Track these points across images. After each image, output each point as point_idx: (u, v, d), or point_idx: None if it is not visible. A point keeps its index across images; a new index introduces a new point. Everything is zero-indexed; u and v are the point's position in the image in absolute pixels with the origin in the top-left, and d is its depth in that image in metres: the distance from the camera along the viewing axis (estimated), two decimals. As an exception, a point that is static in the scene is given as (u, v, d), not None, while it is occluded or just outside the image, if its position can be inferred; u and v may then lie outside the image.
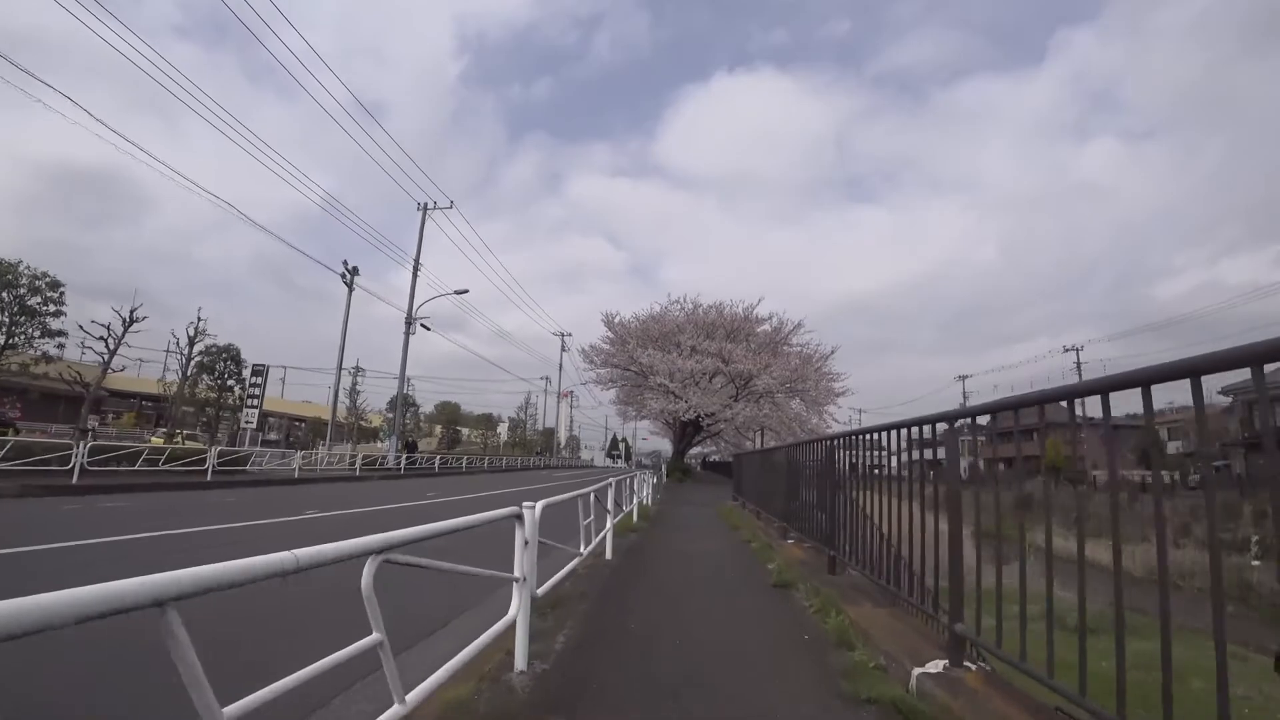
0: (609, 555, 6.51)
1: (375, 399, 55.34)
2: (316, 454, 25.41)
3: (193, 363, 26.06)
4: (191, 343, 25.38)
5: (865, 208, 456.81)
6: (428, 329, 33.19)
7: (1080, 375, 53.91)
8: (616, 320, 29.28)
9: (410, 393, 57.58)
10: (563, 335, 51.25)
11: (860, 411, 44.63)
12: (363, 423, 34.97)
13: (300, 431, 46.31)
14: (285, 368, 57.82)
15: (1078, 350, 54.51)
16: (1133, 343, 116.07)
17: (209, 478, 16.61)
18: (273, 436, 43.84)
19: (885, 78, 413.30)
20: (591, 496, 6.11)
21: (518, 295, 42.62)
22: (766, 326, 27.46)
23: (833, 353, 26.66)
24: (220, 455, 17.79)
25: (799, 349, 27.01)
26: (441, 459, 33.36)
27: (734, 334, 26.40)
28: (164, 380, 26.80)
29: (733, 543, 8.57)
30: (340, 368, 30.81)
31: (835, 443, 5.85)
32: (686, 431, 31.72)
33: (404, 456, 27.16)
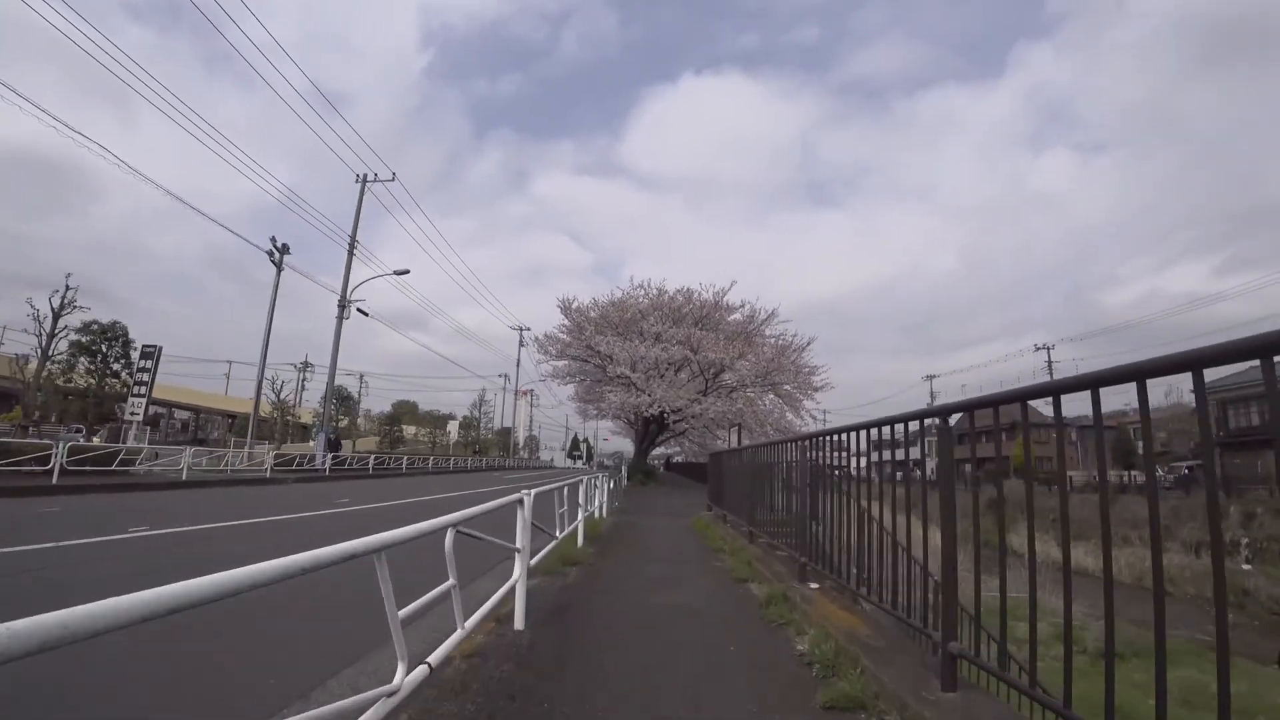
0: (519, 624, 3.80)
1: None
2: (229, 452, 21.97)
3: (58, 339, 22.00)
4: (56, 315, 21.29)
5: (829, 212, 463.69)
6: (364, 314, 29.96)
7: (1051, 375, 53.51)
8: (574, 306, 26.55)
9: (360, 388, 53.82)
10: (521, 330, 48.08)
11: (825, 413, 42.78)
12: (291, 418, 31.30)
13: (226, 429, 42.13)
14: (230, 362, 53.16)
15: (1049, 349, 54.04)
16: (1085, 346, 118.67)
17: (55, 480, 13.26)
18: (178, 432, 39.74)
19: (851, 85, 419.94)
20: (522, 510, 3.54)
21: (475, 288, 39.62)
22: (738, 315, 25.18)
23: (810, 344, 24.62)
24: (76, 453, 14.39)
25: (773, 340, 24.75)
26: (379, 459, 30.00)
27: (703, 321, 23.97)
28: (18, 360, 22.38)
29: (724, 587, 5.87)
30: (264, 356, 27.23)
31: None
32: (649, 430, 29.14)
33: (330, 456, 23.83)
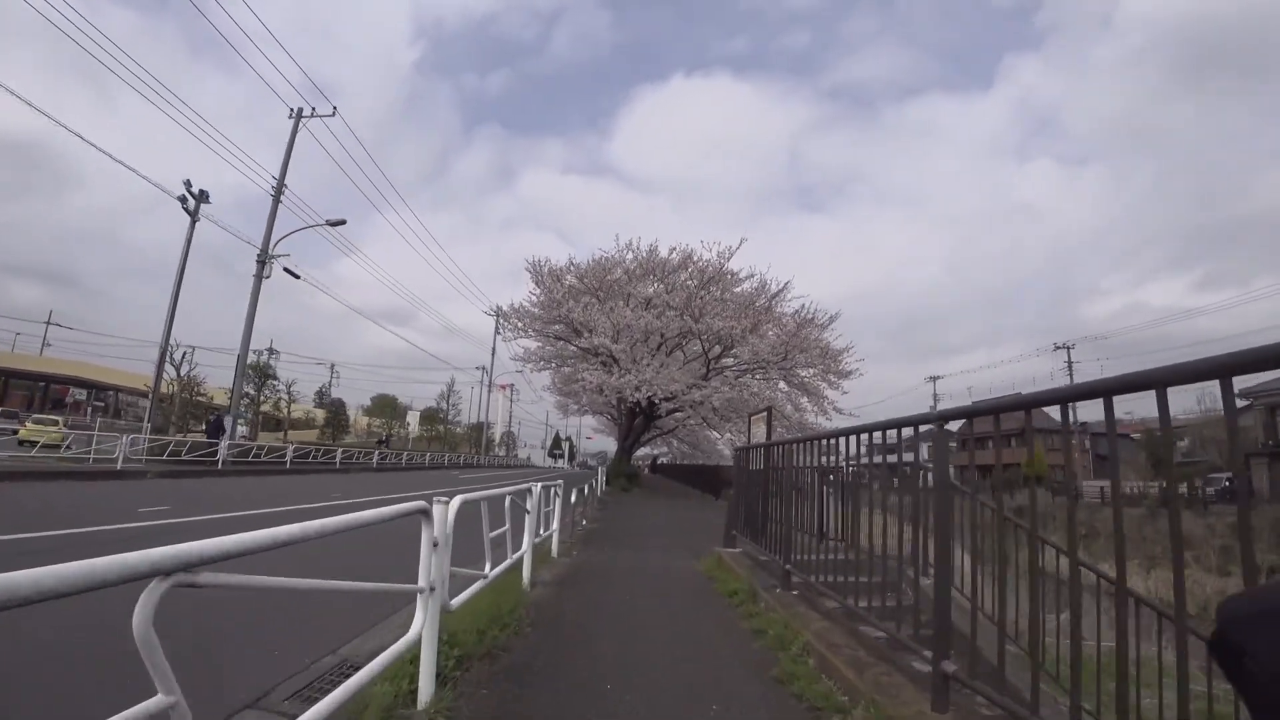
0: None
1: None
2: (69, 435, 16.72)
3: None
4: None
5: (815, 217, 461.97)
6: (293, 275, 24.69)
7: (1072, 376, 49.32)
8: (546, 269, 21.46)
9: (331, 379, 48.01)
10: (497, 315, 42.37)
11: (851, 413, 37.99)
12: (203, 397, 25.93)
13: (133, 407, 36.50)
14: (193, 347, 46.95)
15: (1069, 348, 49.78)
16: (1062, 355, 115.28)
17: None
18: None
19: (840, 91, 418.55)
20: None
21: (447, 270, 34.11)
22: (746, 286, 20.25)
23: (834, 319, 19.95)
24: None
25: (792, 314, 19.89)
26: (302, 451, 24.66)
27: (706, 286, 19.03)
28: None
29: None
30: (169, 328, 21.84)
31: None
32: (635, 424, 24.12)
33: (225, 441, 18.56)
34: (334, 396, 42.70)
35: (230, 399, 23.16)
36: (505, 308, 23.36)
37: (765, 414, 10.73)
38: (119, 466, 14.83)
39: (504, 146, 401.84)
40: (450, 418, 56.44)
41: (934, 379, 58.42)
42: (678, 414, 23.05)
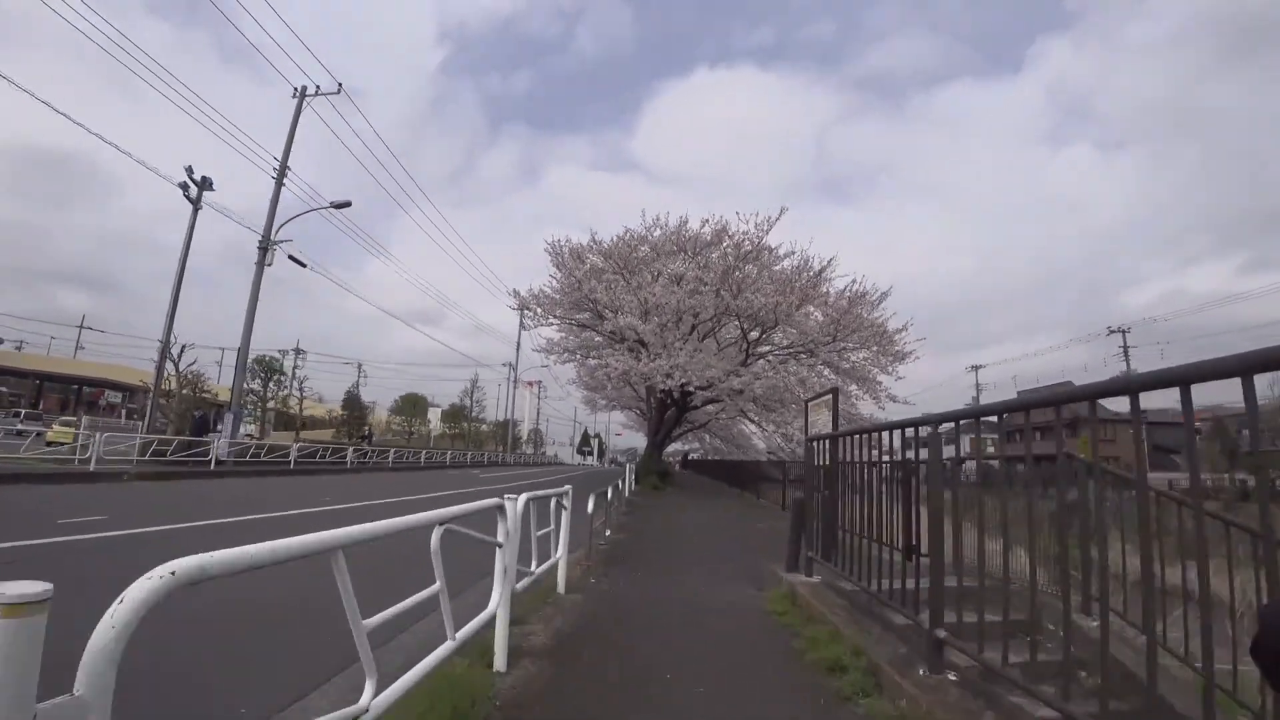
0: None
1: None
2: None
3: None
4: None
5: (843, 209, 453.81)
6: (298, 263, 23.32)
7: (1128, 363, 45.90)
8: (566, 249, 19.54)
9: (359, 378, 46.98)
10: (516, 298, 40.53)
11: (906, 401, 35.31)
12: (207, 394, 24.71)
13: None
14: (192, 344, 46.56)
15: (1124, 331, 46.24)
16: (1100, 346, 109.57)
17: None
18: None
19: (866, 81, 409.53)
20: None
21: (476, 269, 32.46)
22: (787, 264, 17.99)
23: (886, 295, 17.67)
24: None
25: (839, 294, 17.55)
26: (308, 450, 23.25)
27: (744, 261, 16.84)
28: None
29: None
30: (170, 322, 20.64)
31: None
32: (665, 417, 22.10)
33: (220, 439, 17.11)
34: (355, 393, 41.50)
35: (232, 395, 21.85)
36: (525, 292, 21.45)
37: (829, 396, 8.51)
38: (91, 468, 13.37)
39: (529, 145, 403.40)
40: (475, 415, 55.02)
41: (976, 368, 55.18)
42: (712, 405, 20.93)
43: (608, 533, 8.80)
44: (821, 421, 8.78)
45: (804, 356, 16.87)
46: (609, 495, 9.30)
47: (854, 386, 17.26)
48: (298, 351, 66.71)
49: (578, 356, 26.00)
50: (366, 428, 39.63)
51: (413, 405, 50.96)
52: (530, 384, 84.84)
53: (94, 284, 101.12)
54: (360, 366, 55.93)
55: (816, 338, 16.03)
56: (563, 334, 24.22)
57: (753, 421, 36.41)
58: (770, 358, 17.22)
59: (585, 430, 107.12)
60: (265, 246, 22.21)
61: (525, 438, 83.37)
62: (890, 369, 16.98)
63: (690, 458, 57.20)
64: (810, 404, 10.04)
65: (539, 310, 21.62)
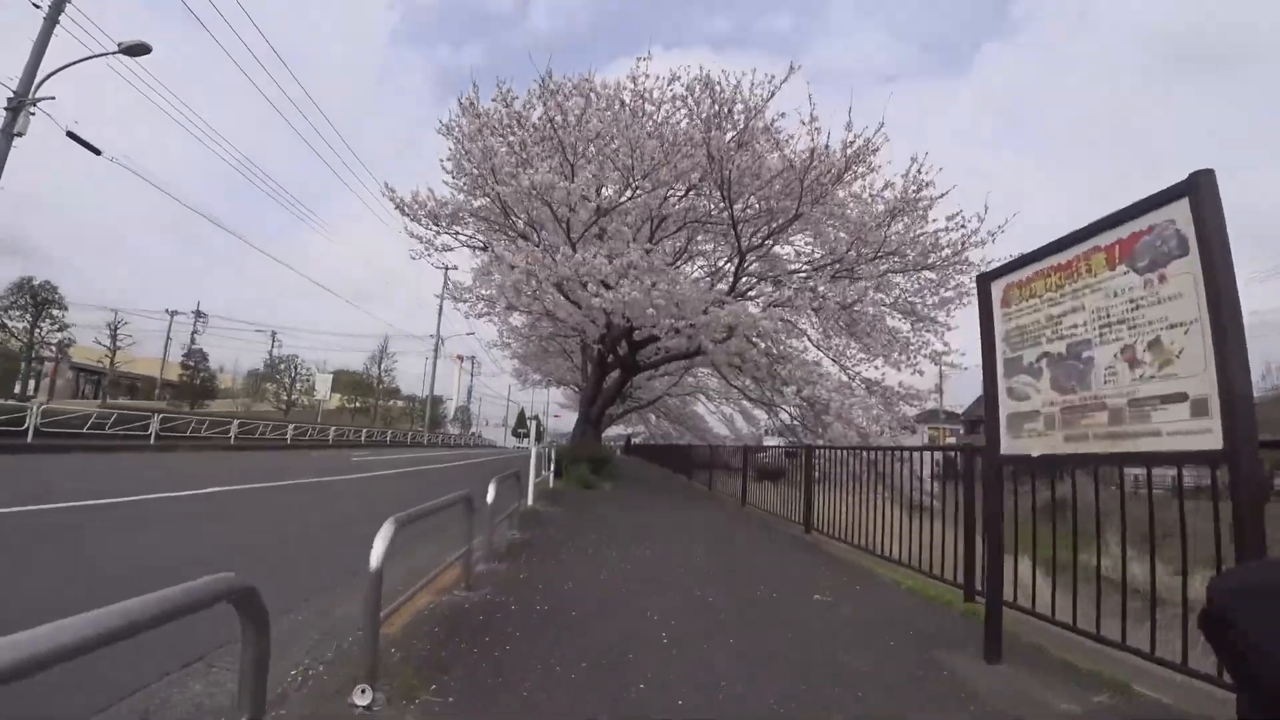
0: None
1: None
2: None
3: None
4: None
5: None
6: (89, 146, 15.75)
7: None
8: (467, 112, 12.41)
9: (272, 346, 38.08)
10: (445, 266, 32.44)
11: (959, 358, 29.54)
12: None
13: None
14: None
15: None
16: None
17: None
18: None
19: (820, 76, 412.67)
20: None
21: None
22: (801, 146, 11.29)
23: (945, 194, 10.92)
24: None
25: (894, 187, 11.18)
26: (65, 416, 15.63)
27: (743, 143, 10.26)
28: None
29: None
30: None
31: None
32: (606, 380, 15.57)
33: None
34: (197, 349, 32.91)
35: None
36: (412, 198, 14.19)
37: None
38: None
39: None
40: (384, 385, 46.91)
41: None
42: (676, 364, 14.48)
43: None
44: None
45: (843, 278, 10.34)
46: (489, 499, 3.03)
47: (905, 329, 11.03)
48: (199, 315, 56.76)
49: (487, 299, 19.04)
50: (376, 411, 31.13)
51: (284, 371, 42.13)
52: (460, 358, 76.69)
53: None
54: (274, 335, 47.06)
55: (863, 241, 9.65)
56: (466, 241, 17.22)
57: (713, 398, 30.36)
58: (783, 282, 10.73)
59: (522, 411, 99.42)
60: (17, 107, 14.53)
61: (452, 416, 75.32)
62: (961, 295, 10.77)
63: (634, 441, 50.97)
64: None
65: (424, 219, 14.50)
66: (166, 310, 56.85)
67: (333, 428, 29.01)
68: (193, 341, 64.90)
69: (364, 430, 33.00)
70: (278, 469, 13.39)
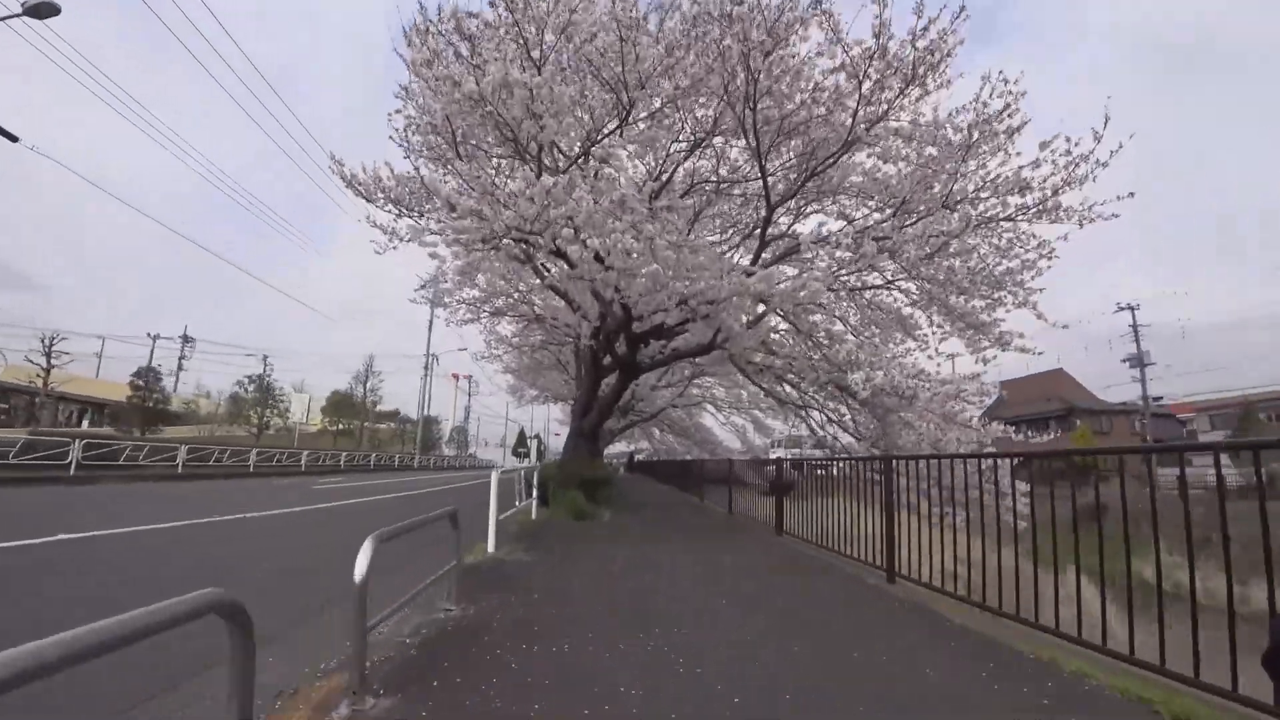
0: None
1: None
2: None
3: None
4: None
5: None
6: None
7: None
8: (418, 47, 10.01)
9: (265, 370, 34.80)
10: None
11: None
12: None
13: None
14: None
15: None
16: None
17: None
18: None
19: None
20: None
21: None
22: (842, 52, 8.46)
23: (1023, 127, 7.42)
24: None
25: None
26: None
27: (777, 44, 7.71)
28: None
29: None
30: None
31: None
32: (602, 382, 13.09)
33: None
34: (151, 368, 30.09)
35: None
36: (361, 174, 11.68)
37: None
38: None
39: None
40: (371, 405, 44.23)
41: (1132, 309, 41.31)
42: (692, 363, 11.94)
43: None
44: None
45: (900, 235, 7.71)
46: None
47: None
48: (186, 340, 54.31)
49: (484, 314, 16.78)
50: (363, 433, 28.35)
51: (261, 393, 39.16)
52: (456, 376, 74.19)
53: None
54: (265, 359, 44.47)
55: (929, 181, 7.19)
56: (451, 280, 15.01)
57: (721, 408, 27.67)
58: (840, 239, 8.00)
59: (522, 430, 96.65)
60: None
61: (447, 437, 72.52)
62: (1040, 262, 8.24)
63: (637, 459, 48.14)
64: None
65: (383, 198, 11.98)
66: (149, 334, 54.56)
67: (305, 452, 26.34)
68: (180, 366, 62.43)
69: (343, 455, 30.30)
70: (197, 504, 10.82)
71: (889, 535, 5.68)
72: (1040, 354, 9.82)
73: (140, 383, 30.17)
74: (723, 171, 10.67)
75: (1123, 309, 40.77)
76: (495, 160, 8.19)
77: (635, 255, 5.80)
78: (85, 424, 37.24)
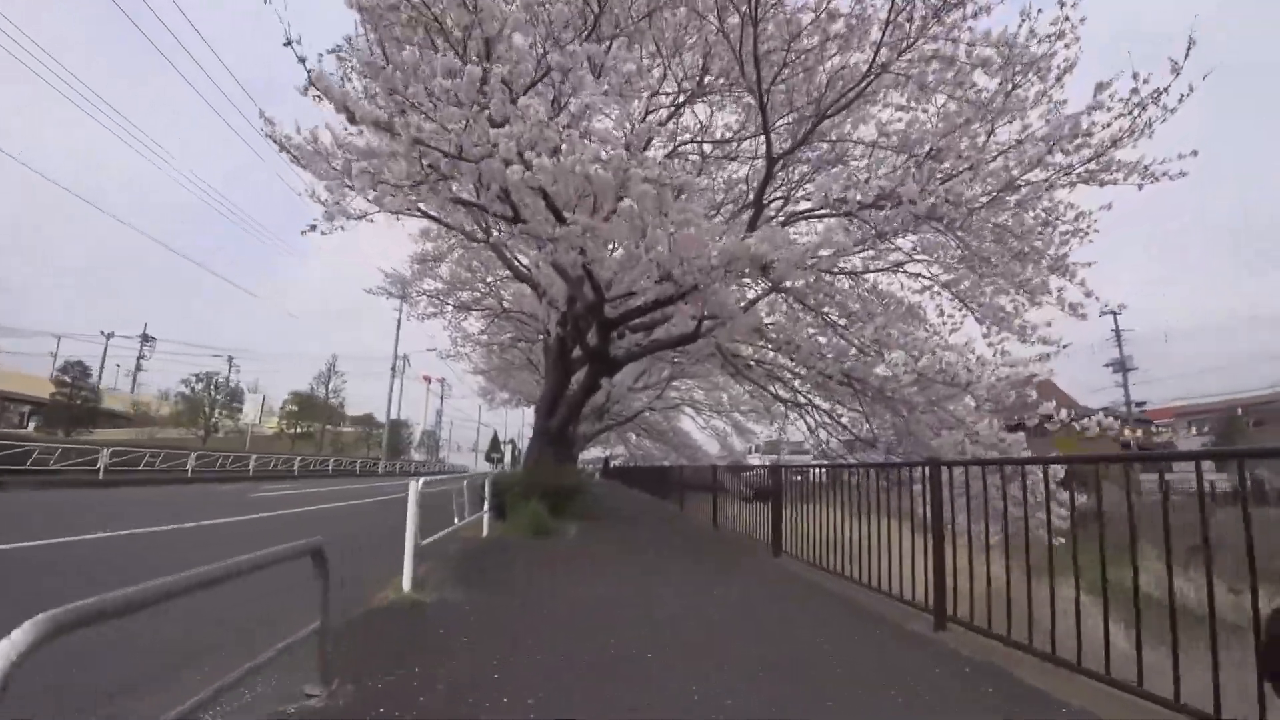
0: None
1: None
2: None
3: None
4: None
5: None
6: None
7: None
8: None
9: (229, 370, 32.62)
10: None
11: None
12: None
13: None
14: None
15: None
16: None
17: None
18: None
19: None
20: None
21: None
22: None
23: (1072, 66, 6.14)
24: None
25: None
26: None
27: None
28: None
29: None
30: None
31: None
32: (571, 375, 11.62)
33: None
34: (79, 362, 27.66)
35: None
36: (296, 137, 9.99)
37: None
38: None
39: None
40: (334, 404, 41.95)
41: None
42: (678, 351, 10.50)
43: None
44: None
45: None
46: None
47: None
48: (146, 339, 51.21)
49: (448, 307, 15.47)
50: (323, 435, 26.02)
51: (208, 392, 36.42)
52: (428, 379, 71.84)
53: None
54: (231, 360, 41.85)
55: (966, 128, 5.84)
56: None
57: (701, 411, 26.28)
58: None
59: (495, 434, 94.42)
60: None
61: (417, 441, 70.07)
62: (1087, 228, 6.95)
63: (613, 464, 46.50)
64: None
65: (323, 168, 10.31)
66: (101, 332, 51.47)
67: (254, 456, 24.29)
68: (138, 367, 59.12)
69: (298, 460, 28.22)
70: (65, 520, 9.02)
71: (938, 566, 4.27)
72: (1067, 346, 8.63)
73: (65, 379, 27.60)
74: (716, 137, 9.35)
75: (1106, 313, 40.47)
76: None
77: (603, 174, 4.30)
78: (31, 426, 34.58)
